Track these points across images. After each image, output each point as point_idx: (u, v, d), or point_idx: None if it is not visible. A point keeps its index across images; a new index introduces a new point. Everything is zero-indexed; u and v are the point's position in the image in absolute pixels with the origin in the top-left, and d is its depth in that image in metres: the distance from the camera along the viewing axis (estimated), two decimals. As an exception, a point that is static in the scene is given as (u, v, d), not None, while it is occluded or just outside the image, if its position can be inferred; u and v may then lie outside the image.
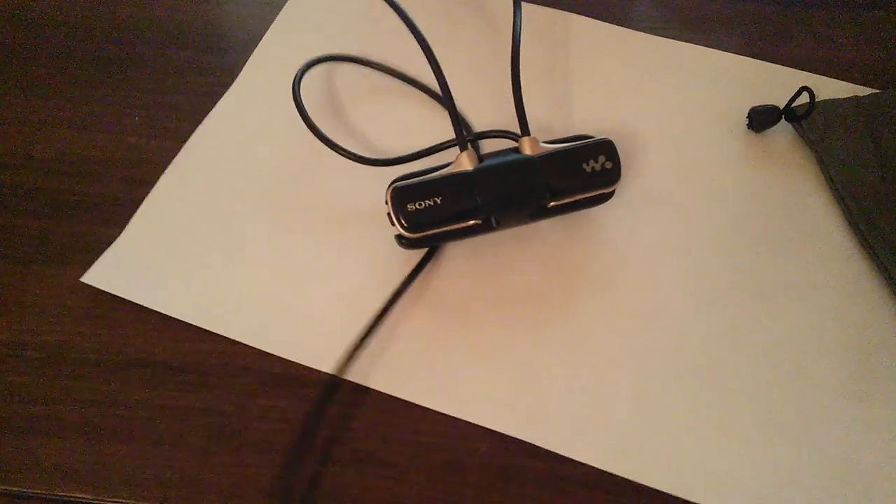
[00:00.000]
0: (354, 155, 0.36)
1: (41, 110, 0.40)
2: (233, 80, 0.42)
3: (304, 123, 0.36)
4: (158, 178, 0.38)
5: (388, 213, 0.31)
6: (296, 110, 0.37)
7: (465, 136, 0.32)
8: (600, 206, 0.36)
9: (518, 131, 0.35)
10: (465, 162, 0.32)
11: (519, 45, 0.35)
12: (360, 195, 0.37)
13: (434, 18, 0.44)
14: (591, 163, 0.33)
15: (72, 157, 0.39)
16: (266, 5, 0.46)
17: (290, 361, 0.32)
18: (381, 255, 0.35)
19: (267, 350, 0.32)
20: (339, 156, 0.37)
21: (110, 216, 0.36)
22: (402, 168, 0.37)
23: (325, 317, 0.33)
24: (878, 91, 0.41)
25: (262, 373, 0.32)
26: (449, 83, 0.34)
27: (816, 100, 0.39)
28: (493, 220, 0.33)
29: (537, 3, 0.46)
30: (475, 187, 0.31)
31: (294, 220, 0.36)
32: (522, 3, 0.45)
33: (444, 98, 0.33)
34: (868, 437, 0.30)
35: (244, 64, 0.42)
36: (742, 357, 0.33)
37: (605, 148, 0.33)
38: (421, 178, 0.32)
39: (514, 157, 0.33)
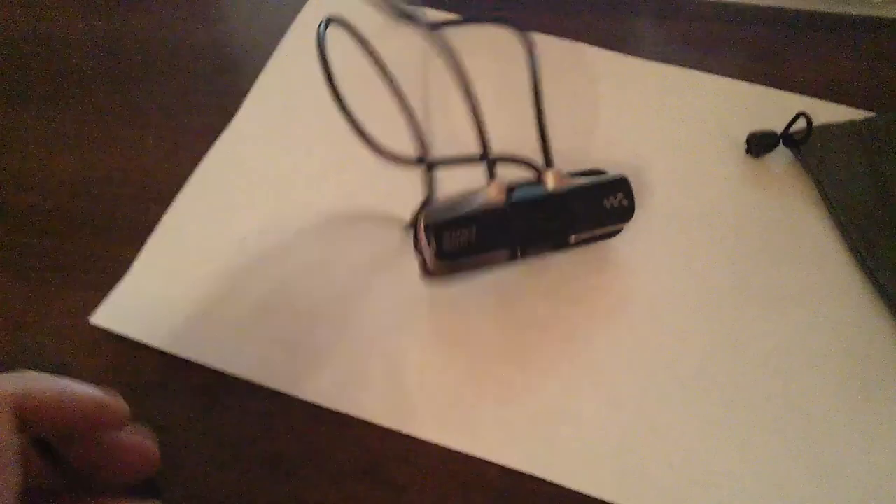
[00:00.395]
0: (384, 151, 0.36)
1: (57, 130, 0.41)
2: (244, 100, 0.43)
3: (335, 101, 0.35)
4: (173, 198, 0.39)
5: (418, 238, 0.32)
6: (305, 127, 0.38)
7: (491, 158, 0.34)
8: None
9: (538, 160, 0.37)
10: (493, 192, 0.33)
11: (539, 81, 0.37)
12: (383, 211, 0.38)
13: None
14: (611, 199, 0.34)
15: (87, 178, 0.39)
16: (275, 26, 0.46)
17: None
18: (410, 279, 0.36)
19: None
20: (357, 171, 0.38)
21: (126, 237, 0.37)
22: (414, 176, 0.38)
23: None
24: (873, 115, 0.42)
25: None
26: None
27: (814, 124, 0.40)
28: (518, 252, 0.34)
29: (535, 31, 0.47)
30: (508, 222, 0.33)
31: (314, 238, 0.37)
32: (509, 30, 0.46)
33: (478, 132, 0.34)
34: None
35: (254, 83, 0.43)
36: (754, 383, 0.34)
37: (623, 186, 0.35)
38: (453, 203, 0.33)
39: (543, 191, 0.34)
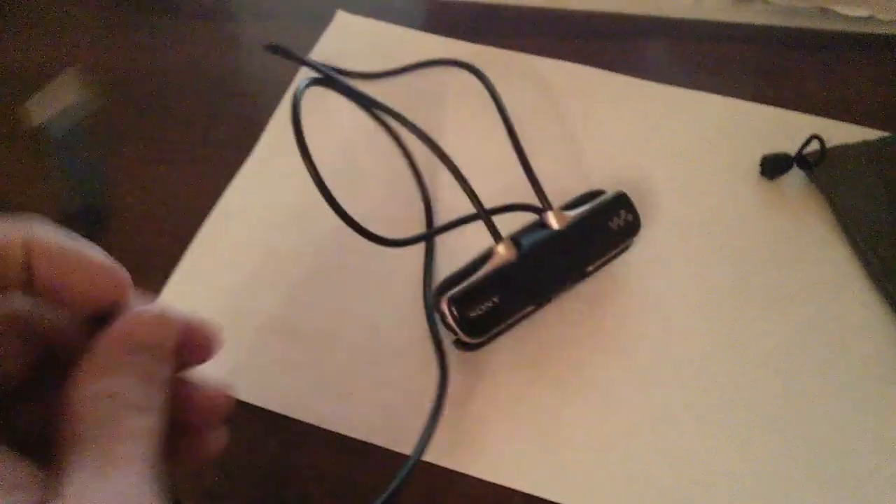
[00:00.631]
0: (376, 237, 0.32)
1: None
2: (262, 132, 0.43)
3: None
4: (195, 233, 0.39)
5: (447, 324, 0.32)
6: (325, 157, 0.39)
7: (488, 214, 0.33)
8: (619, 260, 0.38)
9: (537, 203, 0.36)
10: (503, 252, 0.33)
11: (511, 123, 0.37)
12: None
13: (428, 91, 0.46)
14: (616, 219, 0.35)
15: (113, 212, 0.40)
16: (289, 62, 0.47)
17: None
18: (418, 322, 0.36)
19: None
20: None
21: (149, 274, 0.38)
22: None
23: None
24: (887, 134, 0.42)
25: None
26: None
27: (828, 145, 0.40)
28: (543, 301, 0.34)
29: (544, 56, 0.47)
30: (526, 277, 0.33)
31: (336, 274, 0.38)
32: (530, 56, 0.47)
33: (473, 201, 0.33)
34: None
35: (272, 115, 0.44)
36: (768, 410, 0.34)
37: (623, 201, 0.35)
38: (471, 281, 0.32)
39: (549, 233, 0.34)
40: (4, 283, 0.19)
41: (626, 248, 0.36)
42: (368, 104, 0.37)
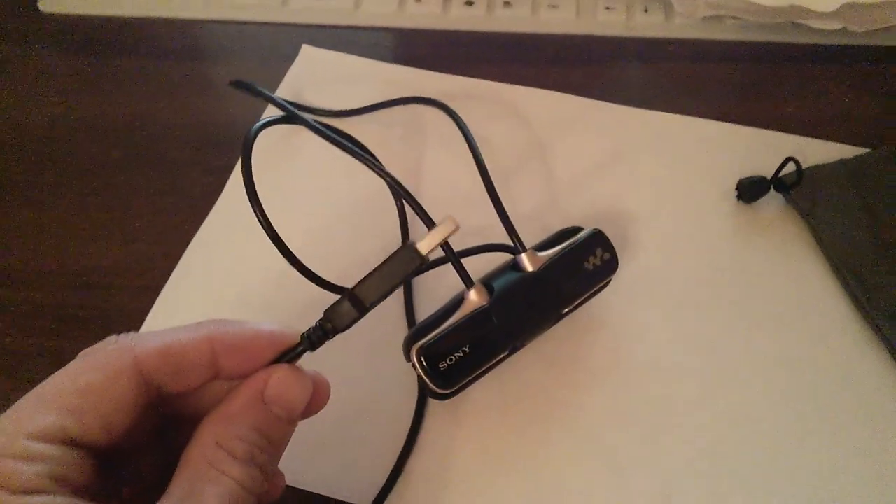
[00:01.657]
0: (336, 287, 0.29)
1: (44, 220, 0.41)
2: (229, 176, 0.43)
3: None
4: (165, 284, 0.38)
5: (417, 375, 0.31)
6: (296, 199, 0.38)
7: (458, 258, 0.32)
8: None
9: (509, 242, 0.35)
10: (474, 298, 0.32)
11: (482, 161, 0.35)
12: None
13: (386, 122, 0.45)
14: (592, 259, 0.34)
15: (77, 269, 0.39)
16: (257, 100, 0.46)
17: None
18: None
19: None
20: (350, 248, 0.37)
21: (120, 330, 0.37)
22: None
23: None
24: (862, 153, 0.42)
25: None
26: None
27: (804, 166, 0.39)
28: (517, 347, 0.33)
29: (513, 83, 0.46)
30: (496, 323, 0.31)
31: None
32: (499, 84, 0.46)
33: (447, 252, 0.32)
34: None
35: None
36: (752, 436, 0.33)
37: (599, 240, 0.34)
38: (442, 329, 0.31)
39: (522, 277, 0.33)
40: (195, 381, 0.23)
41: (604, 287, 0.35)
42: (335, 141, 0.36)
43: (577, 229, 0.35)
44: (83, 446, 0.20)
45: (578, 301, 0.34)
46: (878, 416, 0.34)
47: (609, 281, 0.35)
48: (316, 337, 0.26)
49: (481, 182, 0.35)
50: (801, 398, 0.34)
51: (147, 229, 0.41)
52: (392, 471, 0.32)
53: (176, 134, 0.45)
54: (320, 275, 0.29)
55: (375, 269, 0.26)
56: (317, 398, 0.25)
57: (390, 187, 0.36)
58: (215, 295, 0.38)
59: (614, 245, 0.34)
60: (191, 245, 0.40)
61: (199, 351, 0.23)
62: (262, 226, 0.29)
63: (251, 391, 0.22)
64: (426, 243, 0.27)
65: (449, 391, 0.32)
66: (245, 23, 0.50)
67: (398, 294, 0.37)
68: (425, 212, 0.31)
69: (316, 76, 0.47)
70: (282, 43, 0.49)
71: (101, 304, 0.38)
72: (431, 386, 0.31)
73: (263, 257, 0.39)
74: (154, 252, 0.40)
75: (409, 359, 0.31)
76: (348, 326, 0.26)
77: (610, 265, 0.34)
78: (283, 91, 0.46)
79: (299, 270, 0.29)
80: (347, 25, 0.50)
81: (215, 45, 0.50)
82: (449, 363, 0.30)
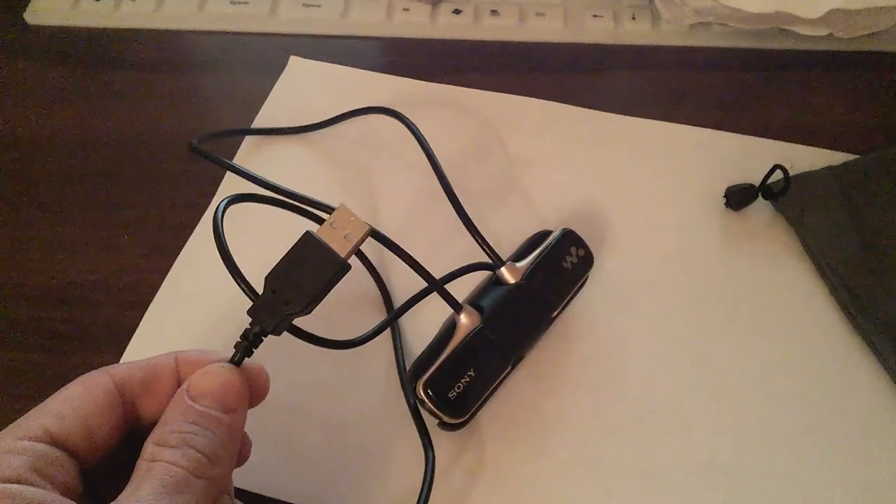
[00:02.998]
0: (322, 340, 0.28)
1: (28, 234, 0.41)
2: (218, 187, 0.42)
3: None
4: (152, 299, 0.38)
5: (427, 409, 0.31)
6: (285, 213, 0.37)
7: (441, 284, 0.31)
8: (579, 300, 0.37)
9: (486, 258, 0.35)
10: (466, 321, 0.32)
11: (447, 181, 0.36)
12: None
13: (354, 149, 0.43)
14: (568, 258, 0.34)
15: (63, 284, 0.39)
16: (246, 106, 0.46)
17: None
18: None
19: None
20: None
21: (105, 347, 0.37)
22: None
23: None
24: (849, 159, 0.42)
25: None
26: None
27: (792, 173, 0.39)
28: (517, 360, 0.33)
29: (499, 90, 0.46)
30: (494, 341, 0.32)
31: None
32: (480, 92, 0.46)
33: (422, 275, 0.31)
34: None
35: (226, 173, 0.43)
36: (741, 445, 0.33)
37: (571, 239, 0.35)
38: (442, 359, 0.31)
39: (507, 290, 0.33)
40: (164, 393, 0.25)
41: (584, 283, 0.36)
42: (295, 208, 0.34)
43: (547, 233, 0.35)
44: (65, 448, 0.22)
45: (565, 302, 0.34)
46: (866, 423, 0.34)
47: (587, 277, 0.35)
48: (248, 343, 0.26)
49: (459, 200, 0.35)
50: (789, 406, 0.34)
51: (133, 243, 0.41)
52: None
53: (163, 146, 0.45)
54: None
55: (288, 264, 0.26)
56: (255, 387, 0.26)
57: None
58: (204, 310, 0.38)
59: (604, 253, 0.34)
60: (178, 259, 0.40)
61: (165, 364, 0.25)
62: (245, 291, 0.27)
63: (177, 393, 0.24)
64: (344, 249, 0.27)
65: (462, 419, 0.31)
66: (233, 33, 0.50)
67: (386, 338, 0.37)
68: (403, 250, 0.31)
69: (304, 87, 0.47)
70: (270, 53, 0.49)
71: (86, 320, 0.38)
72: (444, 418, 0.31)
73: (252, 272, 0.39)
74: (141, 266, 0.40)
75: (415, 396, 0.31)
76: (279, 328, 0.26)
77: (587, 261, 0.34)
78: (272, 102, 0.46)
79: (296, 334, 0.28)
80: (336, 35, 0.50)
81: (203, 57, 0.50)
82: (458, 391, 0.30)
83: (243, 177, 0.36)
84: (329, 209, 0.30)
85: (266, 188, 0.34)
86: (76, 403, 0.23)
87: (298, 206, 0.32)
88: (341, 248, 0.26)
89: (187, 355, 0.26)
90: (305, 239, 0.26)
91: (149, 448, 0.22)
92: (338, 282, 0.26)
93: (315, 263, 0.26)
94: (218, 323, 0.37)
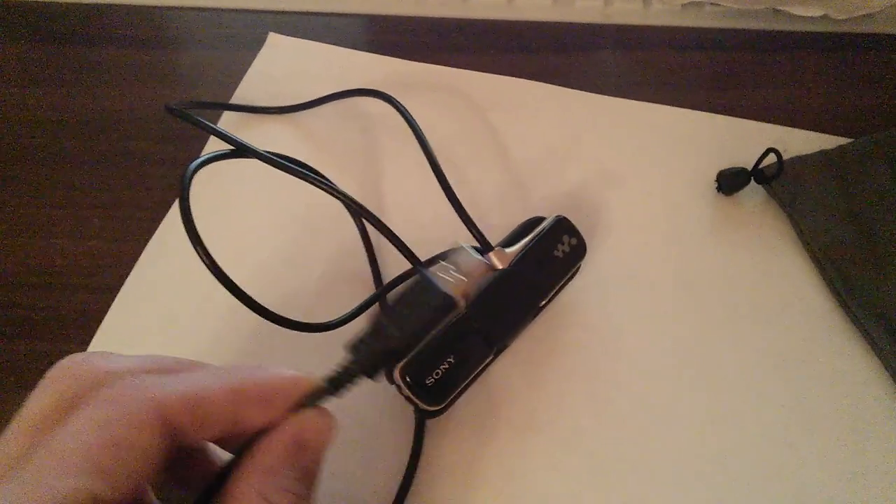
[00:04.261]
0: (293, 322, 0.29)
1: (-3, 217, 0.39)
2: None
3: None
4: (122, 283, 0.37)
5: (404, 395, 0.29)
6: (261, 199, 0.36)
7: (425, 266, 0.30)
8: (570, 288, 0.36)
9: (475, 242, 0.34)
10: None
11: (437, 163, 0.34)
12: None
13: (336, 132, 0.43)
14: (560, 247, 0.33)
15: (31, 268, 0.37)
16: (221, 89, 0.44)
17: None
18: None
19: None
20: (316, 248, 0.36)
21: (75, 332, 0.35)
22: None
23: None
24: (843, 143, 0.41)
25: None
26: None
27: (785, 157, 0.38)
28: (500, 349, 0.32)
29: (486, 70, 0.45)
30: (477, 328, 0.30)
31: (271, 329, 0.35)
32: (468, 72, 0.44)
33: (407, 257, 0.31)
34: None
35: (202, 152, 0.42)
36: (733, 435, 0.32)
37: (564, 227, 0.33)
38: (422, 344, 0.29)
39: (494, 275, 0.31)
40: (217, 433, 0.21)
41: (575, 273, 0.35)
42: (287, 168, 0.33)
43: (540, 219, 0.34)
44: None
45: (554, 291, 0.33)
46: (859, 411, 0.33)
47: (579, 267, 0.34)
48: (340, 381, 0.24)
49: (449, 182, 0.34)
50: (782, 393, 0.33)
51: (104, 226, 0.39)
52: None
53: (137, 126, 0.43)
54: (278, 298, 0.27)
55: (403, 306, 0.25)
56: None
57: (349, 208, 0.34)
58: (176, 295, 0.36)
59: (593, 239, 0.33)
60: (150, 242, 0.38)
61: (223, 404, 0.21)
62: (207, 265, 0.26)
63: (288, 441, 0.22)
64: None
65: (440, 406, 0.30)
66: (210, 9, 0.49)
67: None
68: (389, 230, 0.29)
69: (282, 65, 0.45)
70: (248, 30, 0.47)
71: (55, 305, 0.36)
72: (421, 405, 0.29)
73: (226, 257, 0.38)
74: (112, 250, 0.38)
75: (392, 381, 0.30)
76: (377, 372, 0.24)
77: (578, 250, 0.33)
78: (249, 81, 0.44)
79: (251, 308, 0.28)
80: (317, 12, 0.48)
81: (180, 33, 0.48)
82: (435, 377, 0.29)
83: (226, 140, 0.33)
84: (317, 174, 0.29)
85: (251, 155, 0.32)
86: (125, 454, 0.19)
87: (279, 163, 0.31)
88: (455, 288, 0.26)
89: (249, 389, 0.22)
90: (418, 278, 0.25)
91: (253, 497, 0.20)
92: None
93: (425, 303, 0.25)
94: (191, 309, 0.36)
